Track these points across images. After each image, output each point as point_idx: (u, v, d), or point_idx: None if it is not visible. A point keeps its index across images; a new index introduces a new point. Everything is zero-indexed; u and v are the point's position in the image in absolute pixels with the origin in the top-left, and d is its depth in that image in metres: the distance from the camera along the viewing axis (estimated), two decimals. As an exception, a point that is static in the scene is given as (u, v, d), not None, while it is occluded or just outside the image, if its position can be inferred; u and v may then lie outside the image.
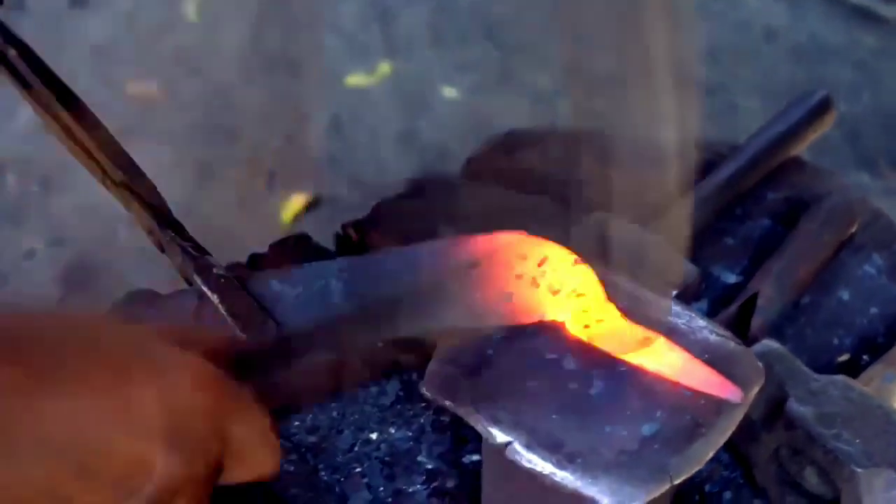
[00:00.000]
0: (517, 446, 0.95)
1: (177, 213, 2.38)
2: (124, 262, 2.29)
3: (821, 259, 1.31)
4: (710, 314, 1.29)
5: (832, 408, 1.11)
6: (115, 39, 2.84)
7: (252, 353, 0.89)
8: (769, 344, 1.17)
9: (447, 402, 1.00)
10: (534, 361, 1.01)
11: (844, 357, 1.27)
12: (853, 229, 1.35)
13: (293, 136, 2.61)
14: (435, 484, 1.15)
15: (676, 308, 1.03)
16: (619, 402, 0.97)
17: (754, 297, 1.25)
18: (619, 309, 1.03)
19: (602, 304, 1.03)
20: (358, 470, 1.16)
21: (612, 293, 1.04)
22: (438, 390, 1.01)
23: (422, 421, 1.19)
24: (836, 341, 1.28)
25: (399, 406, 1.19)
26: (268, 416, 0.87)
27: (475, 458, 1.17)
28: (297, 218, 2.41)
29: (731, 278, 1.33)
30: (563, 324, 1.02)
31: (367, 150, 2.59)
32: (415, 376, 1.21)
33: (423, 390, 1.02)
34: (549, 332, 1.03)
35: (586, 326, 1.02)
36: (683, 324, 1.02)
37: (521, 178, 1.45)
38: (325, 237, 1.40)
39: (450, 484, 1.15)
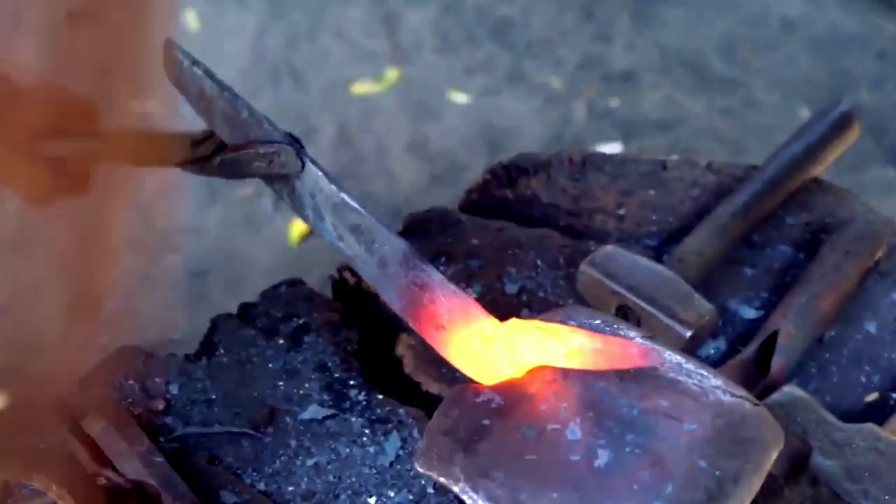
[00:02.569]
0: (516, 527, 0.89)
1: (184, 232, 2.33)
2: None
3: (844, 290, 1.23)
4: (728, 354, 1.22)
5: (859, 461, 1.04)
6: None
7: None
8: (792, 391, 1.09)
9: (441, 479, 0.93)
10: (533, 431, 0.94)
11: (873, 396, 1.19)
12: (878, 256, 1.27)
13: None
14: (438, 551, 1.09)
15: (688, 366, 0.96)
16: (626, 475, 0.90)
17: (774, 334, 1.18)
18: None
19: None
20: (356, 538, 1.10)
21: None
22: (432, 465, 0.94)
23: (423, 482, 1.12)
24: (863, 378, 1.20)
25: (399, 466, 1.12)
26: None
27: (480, 522, 1.10)
28: (305, 237, 2.34)
29: (751, 313, 1.25)
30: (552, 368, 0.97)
31: (376, 161, 2.51)
32: (415, 432, 1.15)
33: (417, 465, 0.95)
34: (545, 392, 0.96)
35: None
36: (695, 384, 0.95)
37: (525, 208, 1.37)
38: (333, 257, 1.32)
39: (454, 550, 1.09)
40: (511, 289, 1.26)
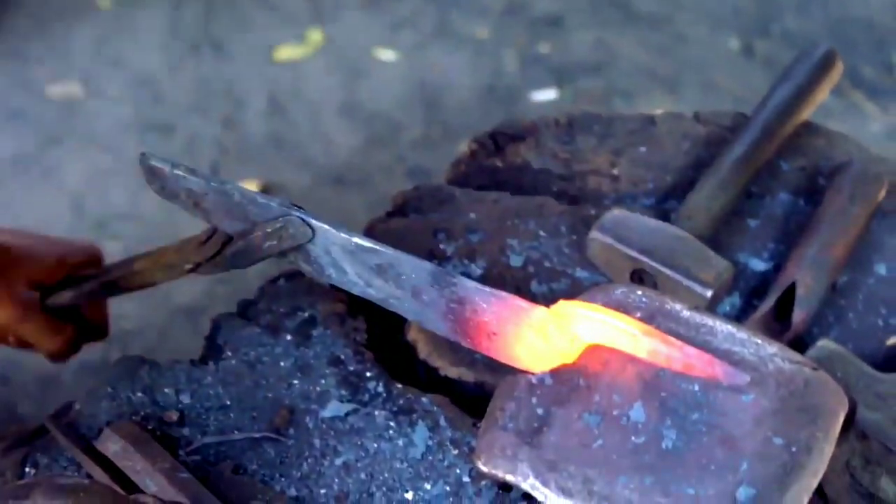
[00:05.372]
0: (594, 518, 0.86)
1: (121, 218, 2.25)
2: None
3: (853, 234, 1.22)
4: (745, 309, 1.20)
5: (905, 411, 1.03)
6: (26, 37, 2.66)
7: None
8: (827, 346, 1.08)
9: (508, 476, 0.90)
10: (595, 417, 0.91)
11: (893, 339, 1.18)
12: (881, 197, 1.26)
13: (231, 122, 2.47)
14: (485, 541, 1.06)
15: (741, 335, 0.94)
16: (698, 455, 0.88)
17: (792, 287, 1.16)
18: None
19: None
20: (398, 536, 1.06)
21: (668, 324, 0.94)
22: (497, 464, 0.91)
23: (458, 471, 1.08)
24: (880, 322, 1.19)
25: (430, 457, 1.09)
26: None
27: (524, 505, 1.07)
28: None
29: (760, 265, 1.24)
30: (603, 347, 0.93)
31: (310, 127, 2.45)
32: (442, 420, 1.11)
33: (479, 465, 0.92)
34: (602, 374, 0.93)
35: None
36: (751, 353, 0.93)
37: (516, 176, 1.34)
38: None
39: (501, 539, 1.06)
40: (516, 261, 1.23)
